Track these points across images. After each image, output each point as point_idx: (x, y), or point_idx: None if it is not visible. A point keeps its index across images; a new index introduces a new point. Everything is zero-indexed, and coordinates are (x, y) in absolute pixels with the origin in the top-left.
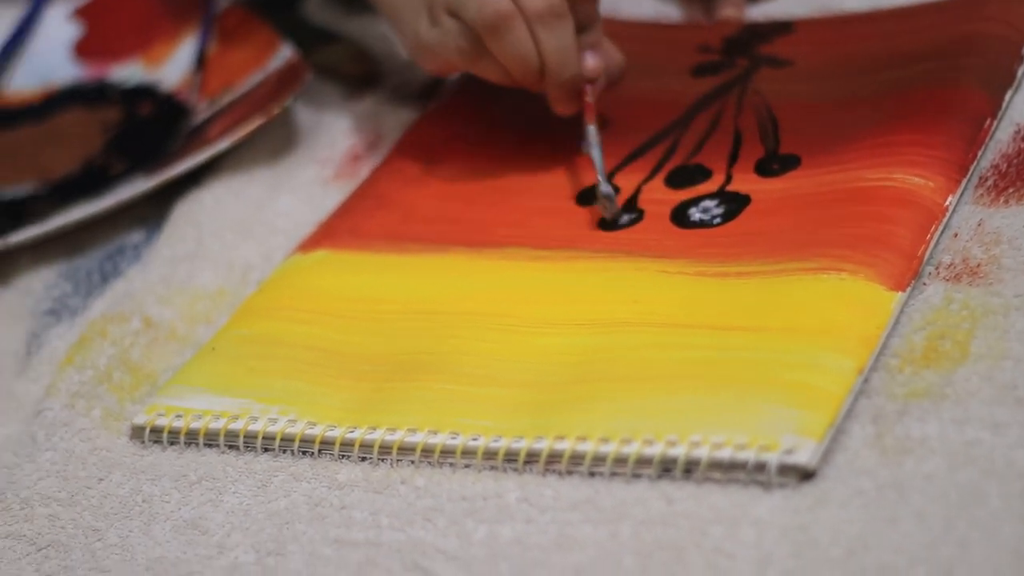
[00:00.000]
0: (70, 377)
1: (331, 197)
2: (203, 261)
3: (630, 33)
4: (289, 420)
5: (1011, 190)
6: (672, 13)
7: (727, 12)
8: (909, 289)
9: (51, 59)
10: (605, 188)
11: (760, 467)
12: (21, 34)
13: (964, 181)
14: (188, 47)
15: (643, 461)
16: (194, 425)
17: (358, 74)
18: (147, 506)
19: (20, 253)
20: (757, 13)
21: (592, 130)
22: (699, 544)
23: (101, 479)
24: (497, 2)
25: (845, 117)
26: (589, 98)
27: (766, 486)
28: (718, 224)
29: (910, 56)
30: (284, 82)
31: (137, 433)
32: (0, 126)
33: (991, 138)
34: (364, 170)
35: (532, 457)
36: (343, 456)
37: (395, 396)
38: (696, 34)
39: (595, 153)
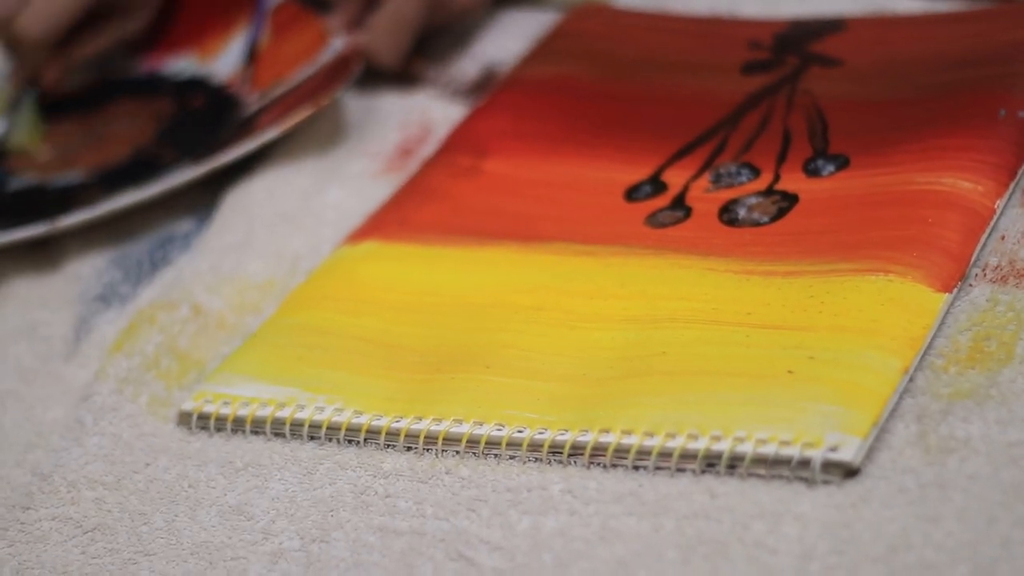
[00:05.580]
0: (118, 363)
1: (380, 190)
2: (252, 251)
3: (679, 28)
4: (335, 409)
5: None
6: (723, 8)
7: None
8: (956, 291)
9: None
10: None
11: (804, 463)
12: None
13: (1012, 184)
14: (240, 41)
15: (687, 456)
16: (241, 412)
17: (409, 69)
18: (193, 491)
19: (70, 240)
20: (808, 9)
21: None
22: (741, 539)
23: (148, 464)
24: None
25: (895, 119)
26: None
27: (810, 483)
28: (766, 223)
29: (962, 60)
30: (334, 74)
31: (184, 419)
32: (52, 116)
33: None
34: (414, 164)
35: (577, 450)
36: (388, 445)
37: (441, 387)
38: (746, 30)
39: None
